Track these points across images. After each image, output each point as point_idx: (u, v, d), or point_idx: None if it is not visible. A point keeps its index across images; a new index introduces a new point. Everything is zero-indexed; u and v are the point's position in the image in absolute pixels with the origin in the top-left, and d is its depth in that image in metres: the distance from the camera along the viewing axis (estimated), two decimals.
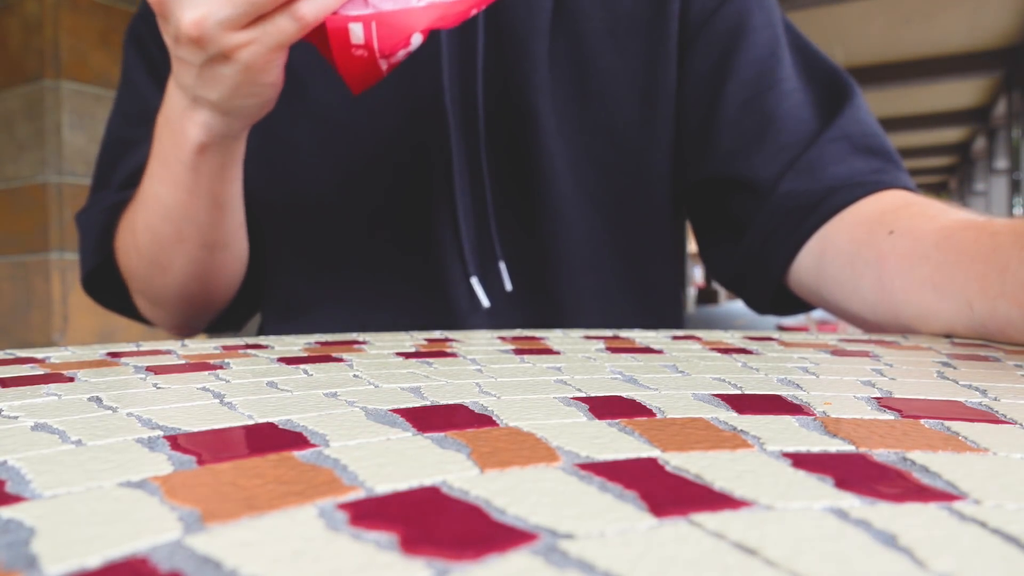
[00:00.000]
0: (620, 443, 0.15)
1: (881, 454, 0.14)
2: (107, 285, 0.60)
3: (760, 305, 0.54)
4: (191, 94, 0.43)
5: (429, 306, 0.55)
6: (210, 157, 0.46)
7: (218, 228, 0.51)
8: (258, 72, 0.40)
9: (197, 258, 0.52)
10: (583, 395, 0.19)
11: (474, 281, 0.54)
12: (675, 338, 0.34)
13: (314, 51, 0.52)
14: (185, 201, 0.49)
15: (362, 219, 0.56)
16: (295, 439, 0.15)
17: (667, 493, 0.12)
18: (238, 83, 0.41)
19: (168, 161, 0.47)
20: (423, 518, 0.11)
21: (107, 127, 0.61)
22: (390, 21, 0.38)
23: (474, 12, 0.41)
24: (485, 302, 0.54)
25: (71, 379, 0.23)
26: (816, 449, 0.14)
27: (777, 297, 0.53)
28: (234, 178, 0.50)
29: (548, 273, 0.56)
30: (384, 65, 0.40)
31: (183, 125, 0.45)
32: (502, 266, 0.55)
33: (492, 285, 0.55)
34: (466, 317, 0.55)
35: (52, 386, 0.21)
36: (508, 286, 0.55)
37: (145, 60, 0.59)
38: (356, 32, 0.38)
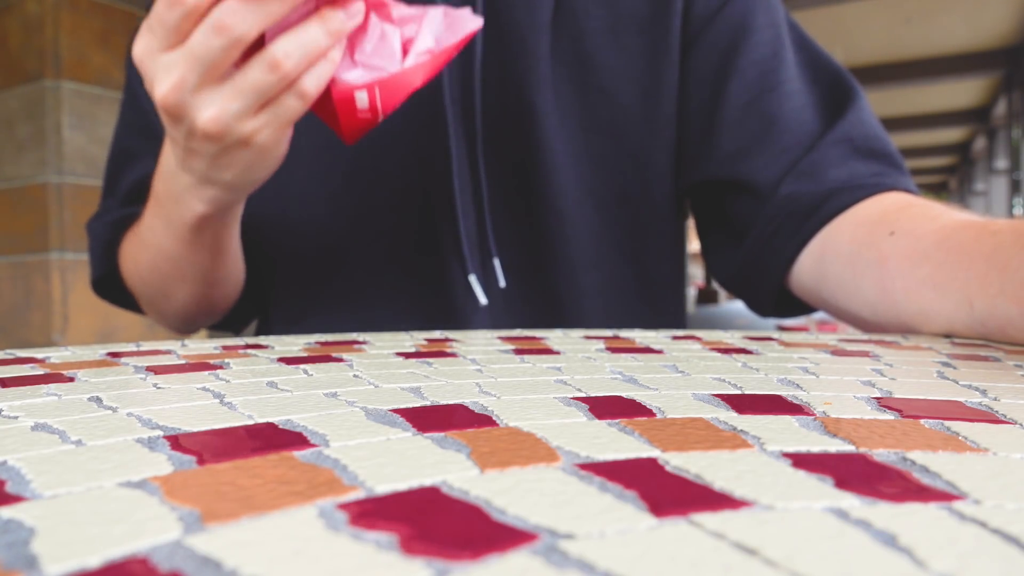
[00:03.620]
0: (620, 443, 0.15)
1: (881, 454, 0.14)
2: (115, 287, 0.61)
3: (762, 307, 0.54)
4: (199, 177, 0.43)
5: (430, 304, 0.55)
6: (213, 221, 0.47)
7: (219, 268, 0.53)
8: (270, 150, 0.41)
9: (198, 291, 0.54)
10: (583, 395, 0.19)
11: (472, 279, 0.54)
12: (675, 338, 0.34)
13: None
14: (186, 252, 0.50)
15: (362, 218, 0.56)
16: (295, 439, 0.15)
17: (667, 493, 0.12)
18: (251, 163, 0.41)
19: (170, 222, 0.48)
20: (423, 518, 0.11)
21: (114, 134, 0.62)
22: (392, 84, 0.39)
23: (456, 52, 0.42)
24: (483, 300, 0.54)
25: (71, 379, 0.23)
26: (816, 449, 0.14)
27: (778, 299, 0.53)
28: (235, 227, 0.51)
29: (549, 271, 0.56)
30: (381, 117, 0.41)
31: (187, 201, 0.45)
32: (496, 263, 0.55)
33: (491, 283, 0.55)
34: (467, 315, 0.55)
35: (52, 386, 0.21)
36: (502, 283, 0.55)
37: None
38: (361, 99, 0.39)
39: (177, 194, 0.45)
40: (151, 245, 0.52)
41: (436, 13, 0.41)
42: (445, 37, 0.41)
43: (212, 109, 0.37)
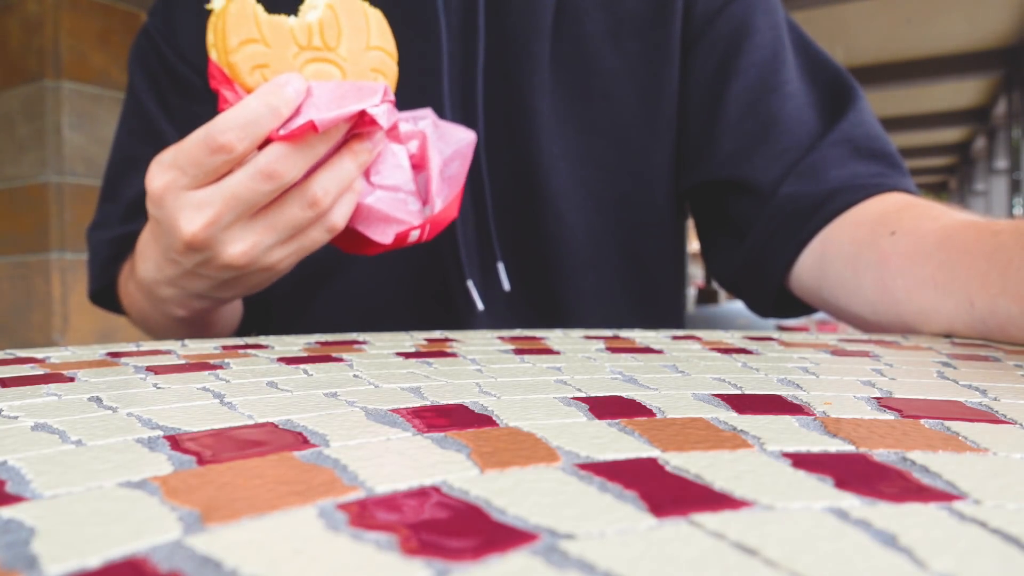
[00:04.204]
0: (620, 443, 0.15)
1: (881, 454, 0.14)
2: (113, 298, 0.61)
3: (762, 308, 0.54)
4: (192, 293, 0.42)
5: (430, 309, 0.55)
6: (201, 314, 0.48)
7: (211, 331, 0.54)
8: (283, 272, 0.40)
9: (191, 334, 0.55)
10: (583, 395, 0.19)
11: (469, 284, 0.54)
12: (675, 338, 0.34)
13: None
14: (173, 326, 0.51)
15: None
16: (295, 439, 0.15)
17: (667, 493, 0.12)
18: (259, 283, 0.41)
19: (154, 307, 0.48)
20: (423, 518, 0.11)
21: (115, 138, 0.62)
22: (439, 218, 0.41)
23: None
24: (480, 305, 0.54)
25: (71, 379, 0.23)
26: (816, 449, 0.14)
27: (779, 299, 0.53)
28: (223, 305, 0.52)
29: (550, 273, 0.56)
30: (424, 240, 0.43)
31: (170, 308, 0.45)
32: (500, 267, 0.55)
33: (492, 286, 0.55)
34: (466, 320, 0.55)
35: (52, 386, 0.21)
36: (506, 287, 0.55)
37: (150, 79, 0.59)
38: (414, 235, 0.40)
39: (160, 299, 0.44)
40: (137, 305, 0.52)
41: (428, 127, 0.42)
42: (441, 148, 0.42)
43: (243, 244, 0.37)
